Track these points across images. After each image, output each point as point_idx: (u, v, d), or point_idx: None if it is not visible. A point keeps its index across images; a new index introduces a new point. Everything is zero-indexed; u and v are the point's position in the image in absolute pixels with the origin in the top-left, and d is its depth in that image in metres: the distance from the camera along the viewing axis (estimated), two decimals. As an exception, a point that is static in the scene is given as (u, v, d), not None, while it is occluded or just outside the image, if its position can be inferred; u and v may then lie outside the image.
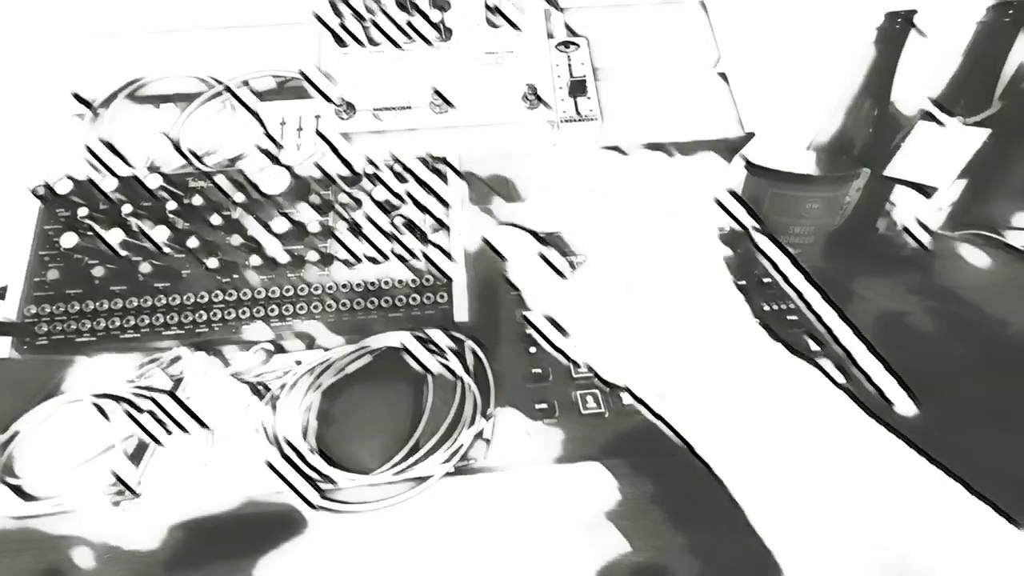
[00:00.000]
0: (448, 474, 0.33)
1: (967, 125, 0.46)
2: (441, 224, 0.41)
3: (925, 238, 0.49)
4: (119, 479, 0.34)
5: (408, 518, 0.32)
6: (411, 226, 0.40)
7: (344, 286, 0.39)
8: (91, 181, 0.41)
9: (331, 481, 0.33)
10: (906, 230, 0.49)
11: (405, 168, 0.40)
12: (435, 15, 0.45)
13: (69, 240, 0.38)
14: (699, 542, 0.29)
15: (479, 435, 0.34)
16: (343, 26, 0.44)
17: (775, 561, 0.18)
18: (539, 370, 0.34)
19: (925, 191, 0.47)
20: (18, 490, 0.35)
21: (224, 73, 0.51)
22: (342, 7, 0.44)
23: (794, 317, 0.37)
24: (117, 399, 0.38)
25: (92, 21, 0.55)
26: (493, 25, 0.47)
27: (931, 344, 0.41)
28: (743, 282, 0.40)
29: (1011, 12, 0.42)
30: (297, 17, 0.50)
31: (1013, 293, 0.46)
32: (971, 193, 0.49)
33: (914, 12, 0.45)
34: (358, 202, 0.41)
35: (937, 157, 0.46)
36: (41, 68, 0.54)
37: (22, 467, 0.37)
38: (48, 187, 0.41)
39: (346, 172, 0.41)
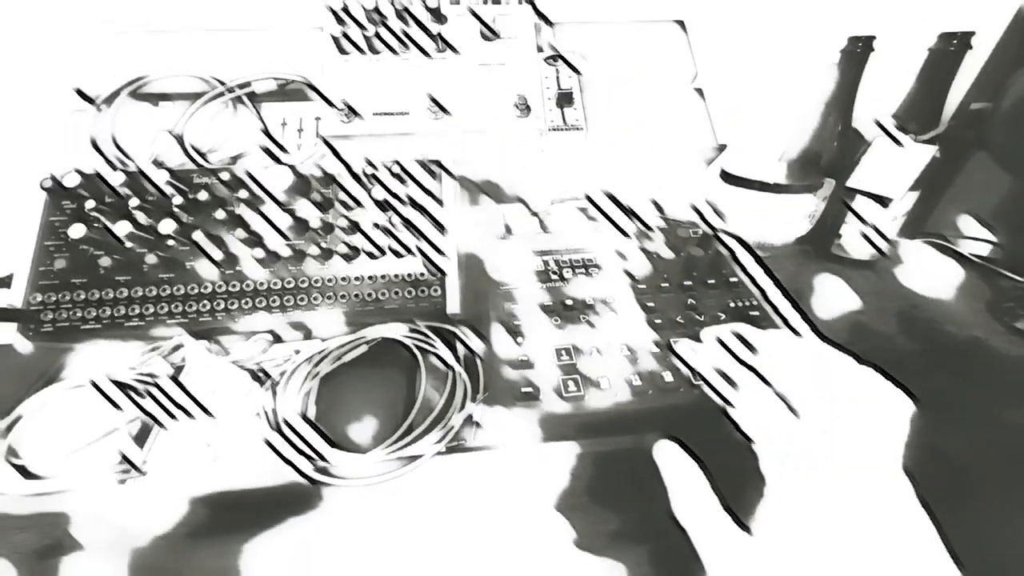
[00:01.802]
0: (439, 453, 0.35)
1: (918, 142, 0.50)
2: (436, 223, 0.43)
3: (882, 244, 0.53)
4: (125, 458, 0.35)
5: (403, 492, 0.34)
6: (407, 224, 0.43)
7: (343, 279, 0.42)
8: (99, 175, 0.42)
9: (328, 461, 0.35)
10: (865, 236, 0.53)
11: (403, 169, 0.43)
12: (433, 27, 0.48)
13: (77, 231, 0.40)
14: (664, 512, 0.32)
15: (469, 418, 0.37)
16: (346, 35, 0.47)
17: None
18: (525, 357, 0.37)
19: (882, 201, 0.51)
20: (22, 470, 0.37)
21: (227, 74, 0.53)
22: (345, 17, 0.47)
23: (756, 313, 0.40)
24: (120, 385, 0.40)
25: (95, 19, 0.56)
26: (487, 38, 0.50)
27: (882, 340, 0.45)
28: (712, 281, 0.43)
29: (955, 41, 0.47)
30: (300, 22, 0.52)
31: (958, 295, 0.50)
32: (922, 204, 0.53)
33: (873, 37, 0.49)
34: (357, 201, 0.44)
35: (892, 171, 0.51)
36: (44, 64, 0.55)
37: (26, 449, 0.38)
38: (55, 180, 0.42)
39: (346, 172, 0.44)
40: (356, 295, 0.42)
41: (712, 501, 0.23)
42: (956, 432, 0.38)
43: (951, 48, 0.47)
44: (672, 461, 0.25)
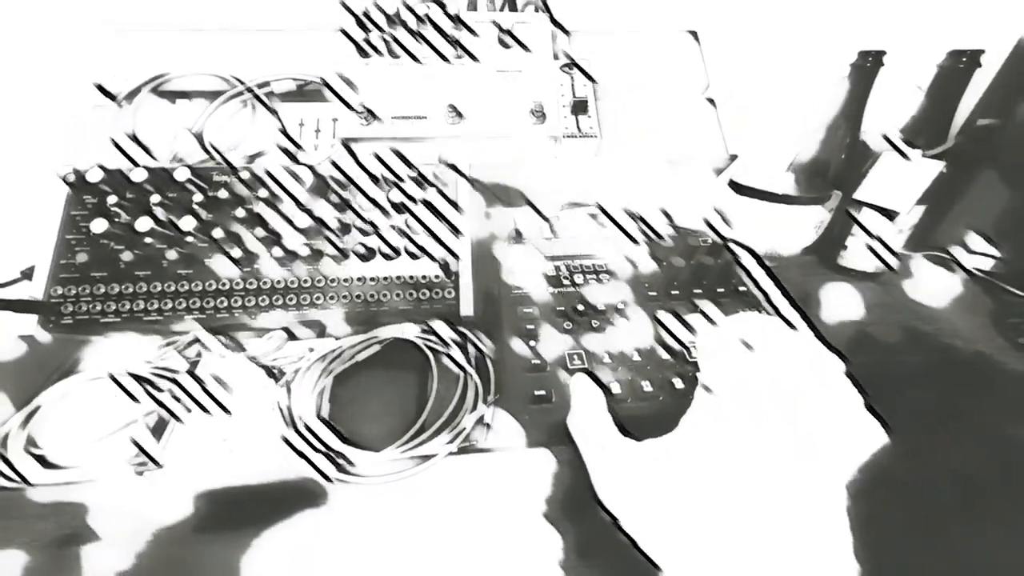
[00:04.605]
0: (451, 453, 0.36)
1: (926, 157, 0.51)
2: (451, 226, 0.44)
3: (888, 256, 0.53)
4: (142, 450, 0.36)
5: (414, 491, 0.35)
6: (423, 226, 0.43)
7: (359, 279, 0.42)
8: (120, 171, 0.43)
9: (344, 458, 0.35)
10: (871, 249, 0.54)
11: (420, 174, 0.43)
12: (452, 33, 0.48)
13: (99, 226, 0.40)
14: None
15: (480, 420, 0.37)
16: (367, 40, 0.48)
17: None
18: (538, 361, 0.38)
19: (889, 214, 0.52)
20: (41, 460, 0.37)
21: (246, 74, 0.54)
22: (367, 22, 0.48)
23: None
24: (137, 378, 0.40)
25: (117, 17, 0.57)
26: (505, 45, 0.51)
27: (888, 352, 0.45)
28: (721, 289, 0.44)
29: (964, 59, 0.48)
30: (320, 24, 0.53)
31: (962, 309, 0.51)
32: (929, 218, 0.54)
33: (883, 52, 0.50)
34: (373, 202, 0.44)
35: (900, 184, 0.51)
36: (65, 60, 0.56)
37: (45, 439, 0.38)
38: (78, 174, 0.43)
39: (364, 174, 0.45)
40: (371, 295, 0.42)
41: (604, 416, 0.25)
42: (960, 446, 0.39)
43: (960, 65, 0.48)
44: (581, 387, 0.28)
